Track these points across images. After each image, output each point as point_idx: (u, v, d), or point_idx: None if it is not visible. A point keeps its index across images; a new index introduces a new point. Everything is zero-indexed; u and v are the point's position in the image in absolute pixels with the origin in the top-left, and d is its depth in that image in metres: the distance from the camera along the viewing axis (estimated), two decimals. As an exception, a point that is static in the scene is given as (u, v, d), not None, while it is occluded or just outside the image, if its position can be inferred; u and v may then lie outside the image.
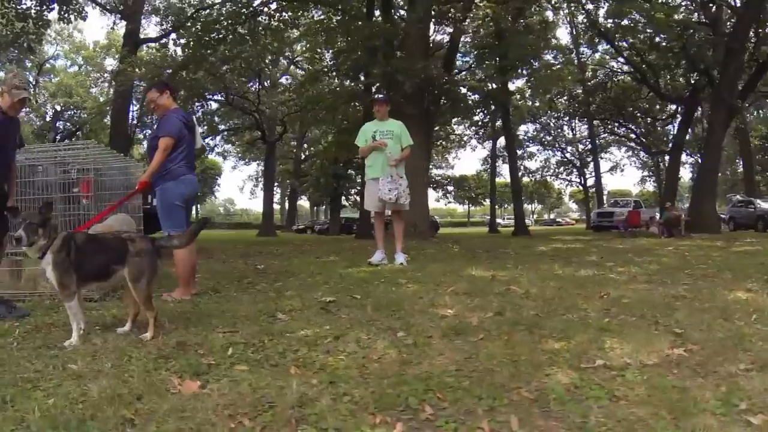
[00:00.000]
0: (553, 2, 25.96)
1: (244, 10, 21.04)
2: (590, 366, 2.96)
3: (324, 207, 62.38)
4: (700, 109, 30.65)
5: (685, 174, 56.44)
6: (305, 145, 51.70)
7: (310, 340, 3.53)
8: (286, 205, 63.73)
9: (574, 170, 51.37)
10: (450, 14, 20.21)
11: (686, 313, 4.18)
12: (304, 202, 65.52)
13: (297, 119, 33.05)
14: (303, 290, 5.58)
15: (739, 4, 24.34)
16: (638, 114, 37.23)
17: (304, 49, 31.19)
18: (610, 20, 26.07)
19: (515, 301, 4.73)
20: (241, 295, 5.52)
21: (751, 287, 5.37)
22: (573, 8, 27.41)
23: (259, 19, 21.91)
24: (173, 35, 29.57)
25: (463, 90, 23.76)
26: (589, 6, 26.31)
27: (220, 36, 20.88)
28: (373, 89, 20.72)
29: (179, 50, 24.92)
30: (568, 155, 50.75)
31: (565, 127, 48.26)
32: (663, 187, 47.68)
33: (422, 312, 4.29)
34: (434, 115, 20.99)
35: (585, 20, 28.56)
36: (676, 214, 21.05)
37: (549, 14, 28.70)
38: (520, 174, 38.08)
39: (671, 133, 41.00)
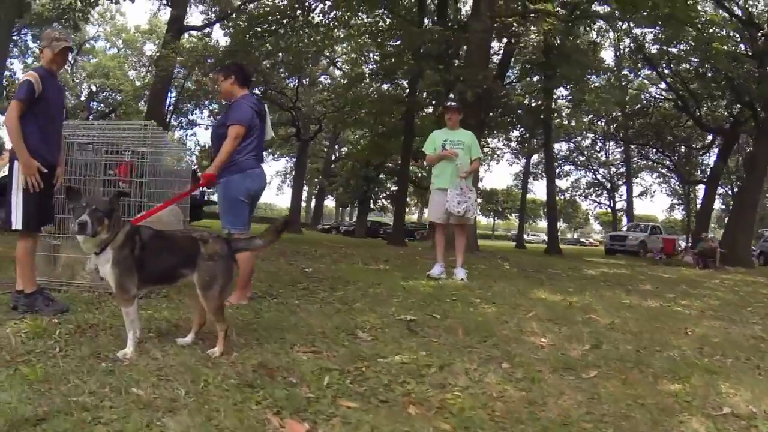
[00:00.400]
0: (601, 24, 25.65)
1: (297, 5, 20.84)
2: (719, 414, 2.90)
3: (349, 208, 62.39)
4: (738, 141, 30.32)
5: (714, 205, 55.87)
6: (337, 146, 51.77)
7: (411, 369, 3.26)
8: (312, 203, 63.91)
9: (604, 192, 51.08)
10: (513, 28, 20.02)
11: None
12: (329, 202, 65.38)
13: (333, 119, 32.91)
14: (373, 304, 5.27)
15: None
16: (676, 142, 36.80)
17: (347, 49, 31.28)
18: (656, 46, 25.96)
19: (604, 333, 4.63)
20: (305, 304, 5.11)
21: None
22: (620, 32, 27.13)
23: (312, 16, 21.76)
24: (217, 25, 29.97)
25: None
26: (637, 30, 25.97)
27: (271, 28, 20.69)
28: (424, 94, 20.60)
29: (221, 41, 24.99)
30: (599, 177, 50.45)
31: (599, 149, 47.88)
32: (694, 216, 47.40)
33: (516, 340, 4.17)
34: (485, 126, 20.84)
35: (631, 44, 28.23)
36: (711, 245, 20.88)
37: (594, 35, 28.65)
38: (552, 192, 37.97)
39: (704, 162, 41.05)
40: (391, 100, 23.59)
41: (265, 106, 5.58)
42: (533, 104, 25.91)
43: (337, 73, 38.92)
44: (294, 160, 48.06)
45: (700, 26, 17.35)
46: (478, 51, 16.06)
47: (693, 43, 21.06)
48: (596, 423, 2.66)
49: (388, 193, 47.00)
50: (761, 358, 4.13)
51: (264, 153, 5.73)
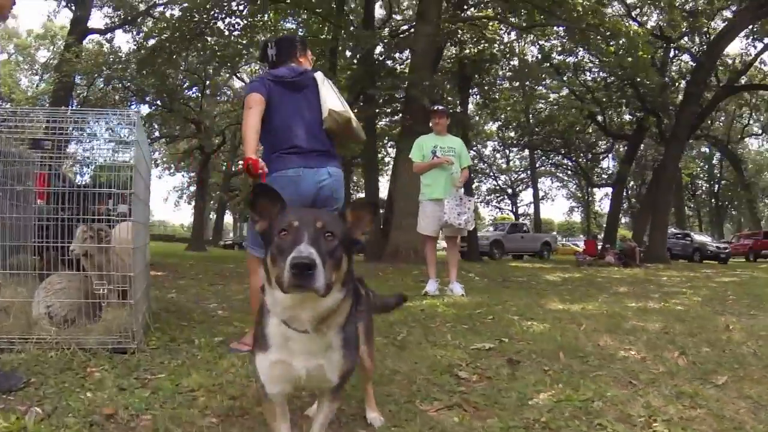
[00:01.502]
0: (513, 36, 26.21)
1: (205, 16, 19.74)
2: None
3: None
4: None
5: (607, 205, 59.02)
6: (237, 159, 50.25)
7: (621, 416, 2.73)
8: (210, 219, 61.69)
9: (505, 197, 52.58)
10: (458, 35, 19.91)
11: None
12: (227, 217, 63.49)
13: (237, 131, 31.84)
14: (419, 336, 4.45)
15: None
16: (583, 147, 38.33)
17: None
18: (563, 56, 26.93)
19: (671, 339, 4.45)
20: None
21: None
22: (528, 41, 27.80)
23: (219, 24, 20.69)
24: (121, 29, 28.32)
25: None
26: (548, 42, 26.71)
27: (175, 35, 19.23)
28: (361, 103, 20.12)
29: (123, 46, 23.64)
30: (500, 183, 51.79)
31: (498, 155, 49.22)
32: (593, 218, 49.82)
33: (611, 356, 3.86)
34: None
35: (539, 53, 29.00)
36: (631, 245, 21.87)
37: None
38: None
39: (603, 167, 43.62)
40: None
41: (316, 74, 4.16)
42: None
43: (237, 84, 37.79)
44: (191, 174, 46.28)
45: (623, 38, 17.98)
46: (423, 56, 15.79)
47: (603, 53, 21.79)
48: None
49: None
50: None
51: (328, 146, 4.09)
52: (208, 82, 31.66)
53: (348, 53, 22.41)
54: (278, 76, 4.00)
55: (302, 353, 1.83)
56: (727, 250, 30.34)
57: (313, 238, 1.64)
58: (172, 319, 5.02)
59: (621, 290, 8.78)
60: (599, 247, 25.48)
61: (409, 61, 19.60)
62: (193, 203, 46.46)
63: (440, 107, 8.00)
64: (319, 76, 4.12)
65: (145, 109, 28.54)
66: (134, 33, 25.49)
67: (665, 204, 25.00)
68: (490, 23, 20.10)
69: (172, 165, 47.35)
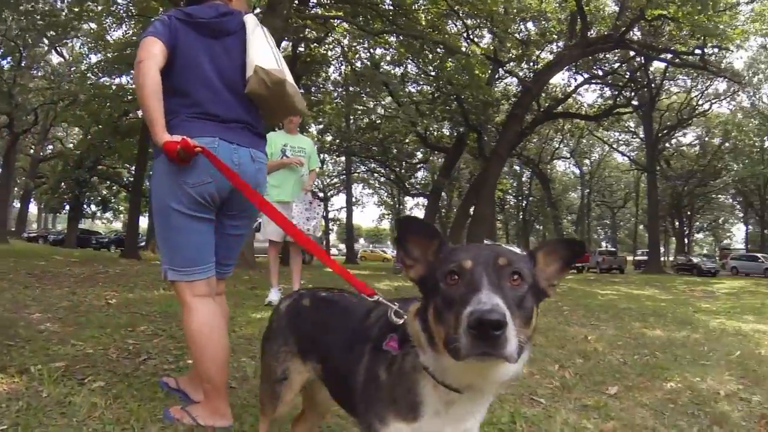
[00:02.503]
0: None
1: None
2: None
3: (56, 215, 56.26)
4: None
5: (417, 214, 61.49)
6: (48, 145, 46.15)
7: None
8: (14, 207, 55.95)
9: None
10: (303, 33, 19.41)
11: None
12: (32, 207, 58.17)
13: (55, 111, 29.12)
14: None
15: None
16: (400, 156, 39.39)
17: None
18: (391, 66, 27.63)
19: (545, 352, 4.59)
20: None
21: None
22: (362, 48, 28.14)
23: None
24: None
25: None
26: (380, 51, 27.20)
27: None
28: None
29: None
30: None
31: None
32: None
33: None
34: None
35: (368, 61, 29.36)
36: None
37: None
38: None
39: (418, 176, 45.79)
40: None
41: (247, 16, 2.96)
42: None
43: (55, 59, 34.69)
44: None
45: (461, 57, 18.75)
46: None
47: (438, 67, 22.59)
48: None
49: (99, 198, 43.43)
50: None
51: (254, 118, 2.97)
52: (25, 53, 28.64)
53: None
54: (191, 15, 2.81)
55: (457, 418, 1.42)
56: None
57: (496, 284, 1.23)
58: (-9, 337, 3.96)
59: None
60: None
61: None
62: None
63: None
64: (250, 20, 2.93)
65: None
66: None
67: (485, 216, 26.17)
68: (337, 25, 19.97)
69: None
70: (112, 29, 23.85)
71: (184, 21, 2.78)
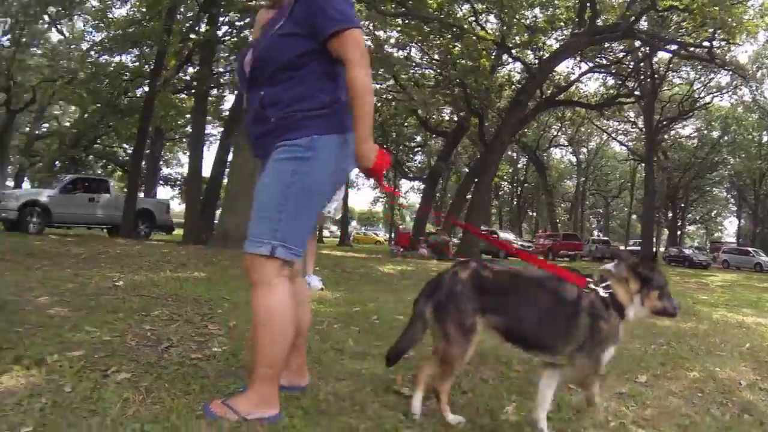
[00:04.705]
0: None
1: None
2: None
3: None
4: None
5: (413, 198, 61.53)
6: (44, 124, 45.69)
7: (593, 422, 2.81)
8: (8, 186, 55.47)
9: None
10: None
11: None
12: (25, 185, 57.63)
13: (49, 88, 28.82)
14: (323, 343, 4.03)
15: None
16: (401, 140, 39.39)
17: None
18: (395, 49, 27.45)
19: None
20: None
21: None
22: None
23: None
24: None
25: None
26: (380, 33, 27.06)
27: None
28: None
29: None
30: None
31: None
32: (397, 210, 51.47)
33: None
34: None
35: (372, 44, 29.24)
36: (445, 239, 22.63)
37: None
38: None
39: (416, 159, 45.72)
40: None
41: None
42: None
43: (54, 37, 34.34)
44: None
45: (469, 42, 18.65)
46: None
47: (444, 52, 22.45)
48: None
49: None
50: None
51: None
52: (25, 30, 28.41)
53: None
54: None
55: None
56: (530, 249, 32.58)
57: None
58: (-1, 323, 3.72)
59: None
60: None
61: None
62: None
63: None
64: None
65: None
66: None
67: (483, 202, 26.25)
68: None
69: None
70: (117, 5, 23.71)
71: None
